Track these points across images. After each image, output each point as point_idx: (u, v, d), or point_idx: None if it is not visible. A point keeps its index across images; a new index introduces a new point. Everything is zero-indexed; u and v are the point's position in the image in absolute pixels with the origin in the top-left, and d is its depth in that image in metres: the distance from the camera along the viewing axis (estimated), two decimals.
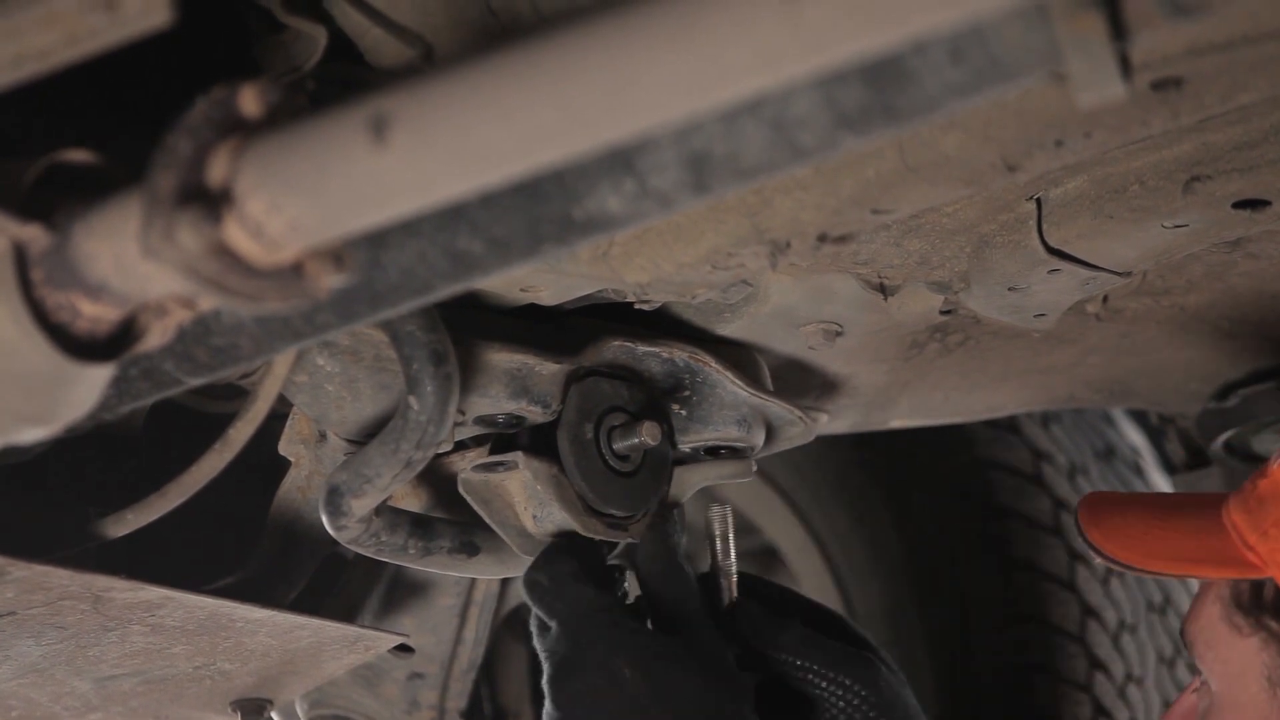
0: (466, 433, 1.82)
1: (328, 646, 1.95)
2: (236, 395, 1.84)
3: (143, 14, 1.06)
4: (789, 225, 1.55)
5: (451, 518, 1.88)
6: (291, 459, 1.89)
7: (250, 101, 1.01)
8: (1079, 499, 2.00)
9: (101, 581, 1.68)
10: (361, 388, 1.74)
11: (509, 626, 2.91)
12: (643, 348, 1.85)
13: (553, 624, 1.76)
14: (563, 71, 0.94)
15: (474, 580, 2.31)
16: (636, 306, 1.81)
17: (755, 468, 1.96)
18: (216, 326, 1.27)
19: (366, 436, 1.76)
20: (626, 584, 1.89)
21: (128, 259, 1.03)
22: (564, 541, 1.81)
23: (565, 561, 1.78)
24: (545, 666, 1.75)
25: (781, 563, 3.22)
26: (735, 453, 1.94)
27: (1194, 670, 1.87)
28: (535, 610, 1.79)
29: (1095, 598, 2.93)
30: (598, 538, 1.83)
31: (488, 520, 1.82)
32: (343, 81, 1.54)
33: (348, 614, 2.14)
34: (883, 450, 3.00)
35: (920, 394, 2.29)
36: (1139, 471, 3.17)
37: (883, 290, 1.82)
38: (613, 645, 1.72)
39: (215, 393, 1.89)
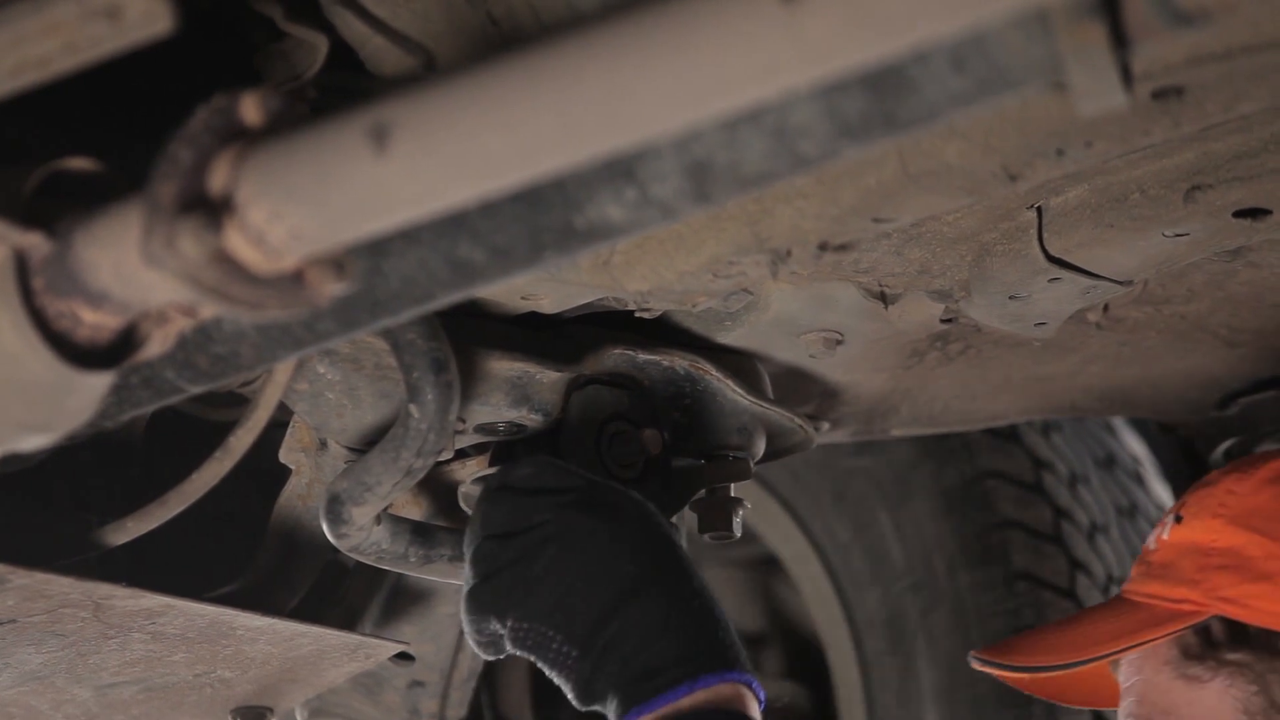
0: (467, 441, 1.82)
1: (328, 654, 1.95)
2: (237, 403, 1.84)
3: (144, 22, 1.06)
4: (790, 234, 1.55)
5: (452, 526, 1.88)
6: (292, 467, 1.89)
7: (251, 110, 1.01)
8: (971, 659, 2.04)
9: (102, 589, 1.68)
10: (362, 396, 1.74)
11: None
12: (643, 356, 1.85)
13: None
14: (564, 80, 0.94)
15: None
16: (637, 315, 1.81)
17: (754, 469, 1.96)
18: (217, 334, 1.27)
19: (367, 444, 1.76)
20: None
21: (129, 267, 1.03)
22: None
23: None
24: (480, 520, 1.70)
25: (782, 571, 3.22)
26: (735, 459, 1.94)
27: None
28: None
29: None
30: None
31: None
32: (344, 90, 1.55)
33: (348, 622, 2.14)
34: (883, 458, 3.00)
35: (921, 402, 2.29)
36: (1139, 480, 3.17)
37: (883, 298, 1.82)
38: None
39: (216, 400, 1.89)
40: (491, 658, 1.70)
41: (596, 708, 1.62)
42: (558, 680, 1.63)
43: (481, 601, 1.66)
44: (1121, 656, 1.91)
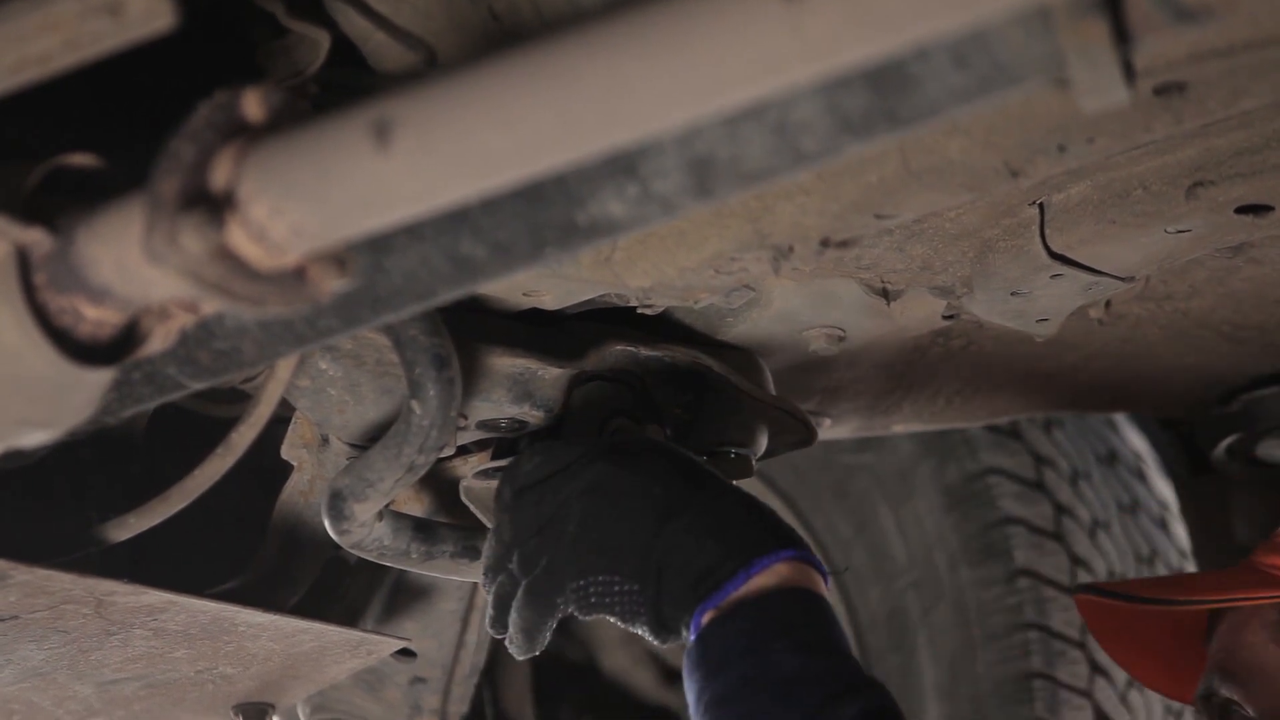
0: (469, 437, 1.82)
1: (330, 651, 1.95)
2: (239, 399, 1.84)
3: (146, 18, 1.06)
4: (791, 230, 1.55)
5: (454, 522, 1.88)
6: (294, 463, 1.89)
7: (253, 106, 1.01)
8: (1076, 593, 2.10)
9: (104, 586, 1.68)
10: (364, 392, 1.74)
11: None
12: (645, 352, 1.85)
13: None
14: (565, 76, 0.94)
15: (476, 585, 2.30)
16: (639, 311, 1.81)
17: (755, 468, 1.95)
18: (219, 330, 1.27)
19: (369, 441, 1.76)
20: None
21: (130, 263, 1.03)
22: None
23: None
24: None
25: None
26: (738, 456, 1.94)
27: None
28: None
29: None
30: None
31: (490, 526, 1.82)
32: (345, 86, 1.55)
33: (350, 618, 2.14)
34: (885, 455, 3.00)
35: (922, 398, 2.29)
36: (1141, 477, 3.17)
37: (885, 295, 1.82)
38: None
39: (218, 397, 1.89)
40: (526, 655, 1.70)
41: (677, 639, 1.62)
42: (636, 628, 1.63)
43: (540, 590, 1.65)
44: (1227, 606, 1.97)
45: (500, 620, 1.69)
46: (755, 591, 1.56)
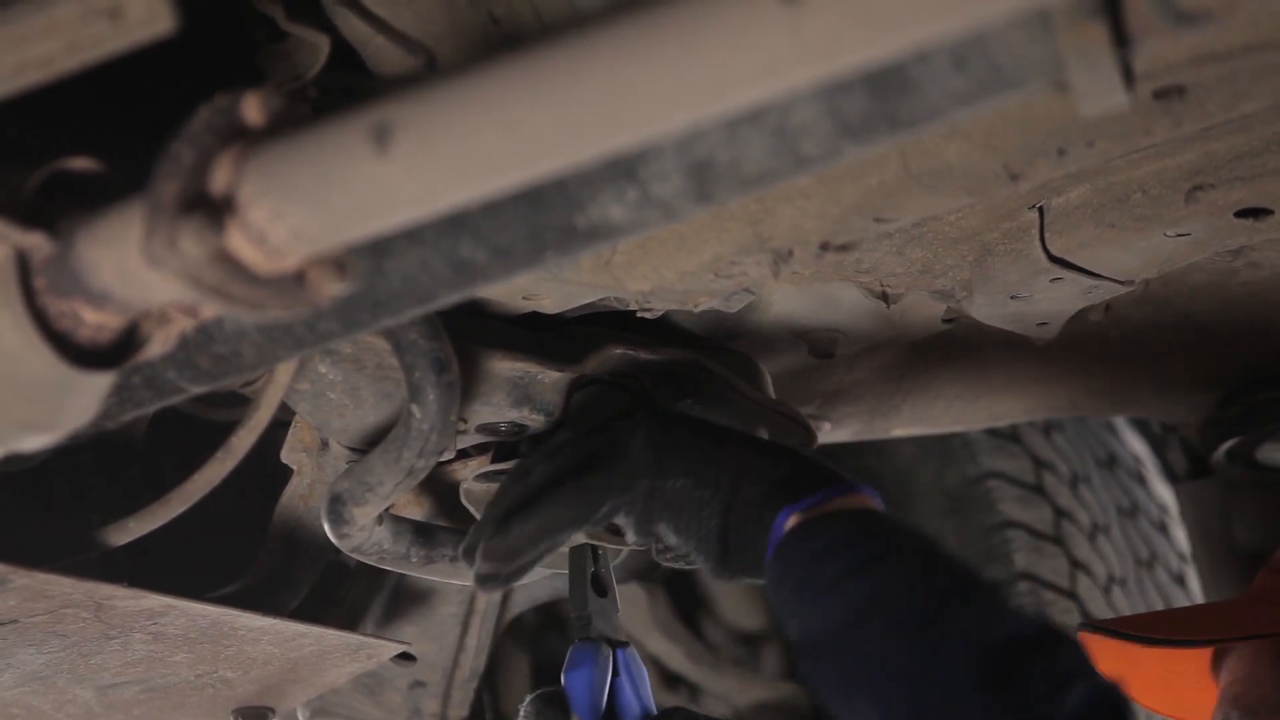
0: (468, 441, 1.82)
1: (330, 654, 1.95)
2: (239, 403, 1.84)
3: (145, 22, 1.06)
4: (791, 233, 1.55)
5: (454, 526, 1.88)
6: (294, 467, 1.89)
7: (253, 110, 1.01)
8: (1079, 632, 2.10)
9: (104, 589, 1.68)
10: (364, 396, 1.74)
11: (511, 635, 2.90)
12: (645, 355, 1.85)
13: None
14: (565, 80, 0.94)
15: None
16: (639, 314, 1.81)
17: None
18: (219, 334, 1.27)
19: (369, 444, 1.76)
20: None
21: (130, 267, 1.04)
22: None
23: None
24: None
25: None
26: None
27: None
28: None
29: (1097, 606, 2.93)
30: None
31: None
32: (345, 90, 1.55)
33: (350, 622, 2.14)
34: (885, 459, 3.00)
35: (922, 402, 2.29)
36: (1141, 480, 3.17)
37: (885, 299, 1.82)
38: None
39: (217, 400, 1.89)
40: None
41: (735, 569, 1.60)
42: (695, 545, 1.62)
43: (594, 486, 1.64)
44: (1234, 645, 1.97)
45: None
46: (847, 505, 1.55)
